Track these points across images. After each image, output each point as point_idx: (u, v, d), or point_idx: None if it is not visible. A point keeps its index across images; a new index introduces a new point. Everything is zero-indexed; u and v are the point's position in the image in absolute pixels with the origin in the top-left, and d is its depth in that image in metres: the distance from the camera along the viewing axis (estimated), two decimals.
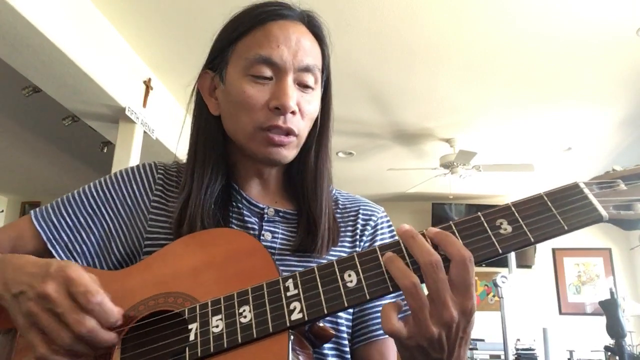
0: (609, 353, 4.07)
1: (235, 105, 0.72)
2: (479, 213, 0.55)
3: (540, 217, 0.54)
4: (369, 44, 3.16)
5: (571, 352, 4.82)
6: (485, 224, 0.54)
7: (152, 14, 2.91)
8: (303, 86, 0.73)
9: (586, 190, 0.54)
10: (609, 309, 3.41)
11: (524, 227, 0.54)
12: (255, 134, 0.71)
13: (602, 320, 3.52)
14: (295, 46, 0.72)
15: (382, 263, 0.54)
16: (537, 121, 4.16)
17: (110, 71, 3.05)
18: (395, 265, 0.53)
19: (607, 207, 0.53)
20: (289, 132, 0.71)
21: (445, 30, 3.00)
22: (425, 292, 0.52)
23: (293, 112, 0.70)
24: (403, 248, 0.54)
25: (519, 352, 4.77)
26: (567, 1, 2.69)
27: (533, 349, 4.79)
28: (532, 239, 0.53)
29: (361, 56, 3.29)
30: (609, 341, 3.68)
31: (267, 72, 0.71)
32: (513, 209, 0.55)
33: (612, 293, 3.56)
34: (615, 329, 3.37)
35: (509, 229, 0.54)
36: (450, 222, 0.56)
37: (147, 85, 3.49)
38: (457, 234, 0.54)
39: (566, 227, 0.53)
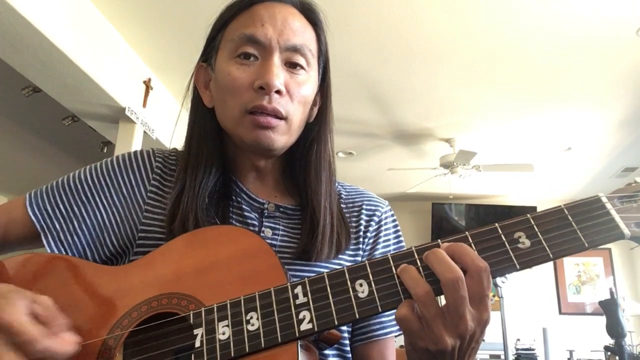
0: (609, 353, 4.06)
1: (223, 90, 0.70)
2: (496, 224, 0.53)
3: (560, 233, 0.52)
4: (369, 44, 3.15)
5: (571, 352, 4.82)
6: (503, 237, 0.52)
7: (152, 14, 2.91)
8: (292, 66, 0.70)
9: (608, 206, 0.52)
10: (608, 309, 3.41)
11: (544, 242, 0.51)
12: (242, 118, 0.68)
13: (602, 320, 3.51)
14: (281, 25, 0.69)
15: (395, 275, 0.52)
16: (537, 121, 4.16)
17: (110, 71, 3.05)
18: (408, 273, 0.51)
19: (629, 225, 0.51)
20: (275, 114, 0.67)
21: (445, 30, 3.00)
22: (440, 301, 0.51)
23: (279, 92, 0.67)
24: (417, 259, 0.53)
25: (519, 352, 4.78)
26: (567, 1, 2.68)
27: (533, 349, 4.79)
28: (552, 255, 0.51)
29: (361, 56, 3.28)
30: (609, 341, 3.68)
31: (252, 51, 0.68)
32: (532, 222, 0.52)
33: (612, 293, 3.56)
34: (615, 328, 3.36)
35: (528, 243, 0.52)
36: (466, 232, 0.53)
37: (147, 85, 3.48)
38: (473, 246, 0.52)
39: (587, 245, 0.51)
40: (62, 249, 0.71)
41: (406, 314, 0.50)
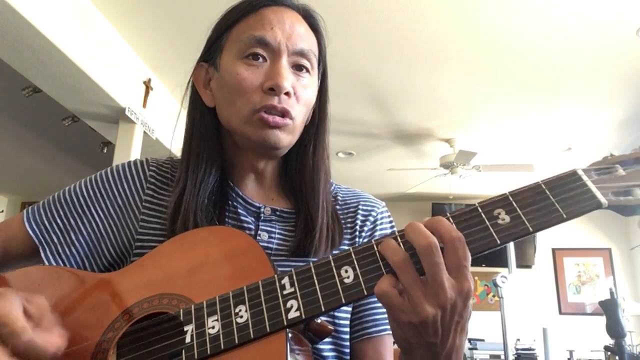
0: (609, 353, 4.07)
1: (230, 90, 0.71)
2: (476, 204, 0.54)
3: (539, 206, 0.53)
4: (369, 44, 3.16)
5: (571, 352, 4.83)
6: (483, 215, 0.53)
7: (152, 14, 2.92)
8: (298, 69, 0.72)
9: (584, 177, 0.53)
10: (608, 309, 3.41)
11: (522, 216, 0.52)
12: (250, 117, 0.69)
13: (602, 320, 3.51)
14: (290, 29, 0.72)
15: (378, 257, 0.53)
16: (537, 121, 4.16)
17: (110, 71, 3.05)
18: (387, 244, 0.52)
19: (606, 194, 0.52)
20: (284, 113, 0.69)
21: (445, 30, 3.00)
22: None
23: (287, 94, 0.69)
24: (397, 236, 0.54)
25: (519, 352, 4.79)
26: (567, 2, 2.69)
27: (533, 349, 4.80)
28: (531, 229, 0.52)
29: (361, 56, 3.28)
30: (609, 341, 3.68)
31: (261, 53, 0.70)
32: (511, 198, 0.54)
33: (612, 293, 3.56)
34: (615, 329, 3.37)
35: (507, 219, 0.53)
36: (447, 213, 0.54)
37: (147, 85, 3.49)
38: (453, 225, 0.53)
39: (565, 216, 0.52)
40: (61, 262, 0.72)
41: (385, 288, 0.51)
